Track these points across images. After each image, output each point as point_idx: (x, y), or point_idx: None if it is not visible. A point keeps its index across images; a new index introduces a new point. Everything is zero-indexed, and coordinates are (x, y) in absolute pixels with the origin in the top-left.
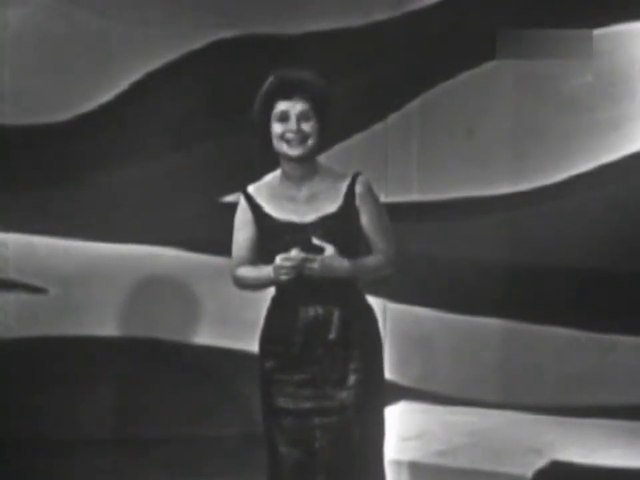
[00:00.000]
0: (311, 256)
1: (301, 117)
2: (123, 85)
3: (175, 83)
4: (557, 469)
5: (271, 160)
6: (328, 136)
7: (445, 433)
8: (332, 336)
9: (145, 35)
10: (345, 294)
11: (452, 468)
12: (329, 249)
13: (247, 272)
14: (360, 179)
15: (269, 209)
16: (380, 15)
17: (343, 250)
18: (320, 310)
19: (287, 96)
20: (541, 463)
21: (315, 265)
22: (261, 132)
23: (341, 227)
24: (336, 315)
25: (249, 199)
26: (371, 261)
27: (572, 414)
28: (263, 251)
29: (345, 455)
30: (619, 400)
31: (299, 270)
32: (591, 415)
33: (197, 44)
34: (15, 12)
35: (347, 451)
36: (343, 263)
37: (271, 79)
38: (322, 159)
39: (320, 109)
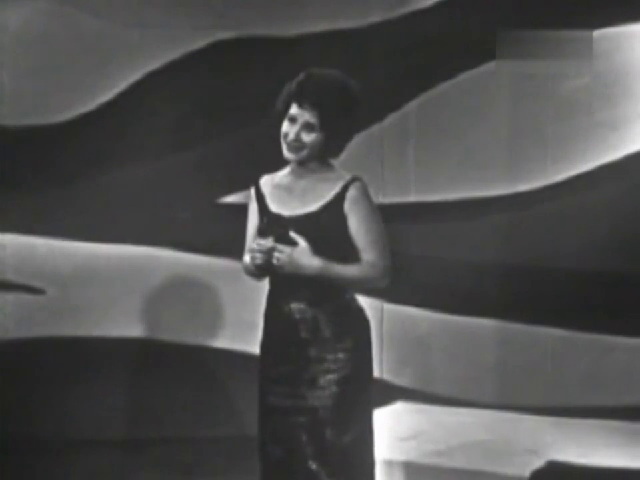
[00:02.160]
0: (280, 246)
1: (304, 128)
2: (121, 85)
3: (173, 83)
4: (553, 470)
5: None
6: (342, 144)
7: (441, 433)
8: (303, 335)
9: (144, 35)
10: (327, 294)
11: (448, 468)
12: (301, 244)
13: (248, 259)
14: (355, 184)
15: (269, 199)
16: (378, 16)
17: (322, 250)
18: (295, 308)
19: (300, 102)
20: (537, 463)
21: (282, 257)
22: (279, 123)
23: (321, 227)
24: (310, 314)
25: (257, 189)
26: (352, 269)
27: (569, 414)
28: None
29: (320, 456)
30: (616, 401)
31: (267, 258)
32: (588, 416)
33: (196, 45)
34: (14, 13)
35: (322, 452)
36: (313, 261)
37: (298, 77)
38: None
39: (331, 123)
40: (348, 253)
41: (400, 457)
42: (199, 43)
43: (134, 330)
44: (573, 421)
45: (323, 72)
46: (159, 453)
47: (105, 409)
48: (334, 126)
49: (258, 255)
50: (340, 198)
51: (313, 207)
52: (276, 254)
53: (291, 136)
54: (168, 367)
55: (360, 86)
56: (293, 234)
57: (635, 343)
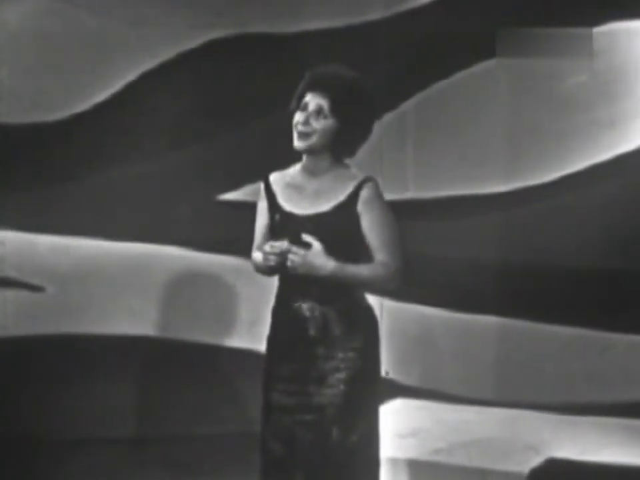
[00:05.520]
0: (294, 248)
1: (315, 113)
2: (118, 84)
3: (170, 82)
4: (553, 467)
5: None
6: (355, 140)
7: (441, 430)
8: (311, 333)
9: (140, 34)
10: (335, 293)
11: (448, 465)
12: (315, 247)
13: (258, 256)
14: (368, 184)
15: (280, 197)
16: (375, 14)
17: (335, 250)
18: (304, 306)
19: (312, 88)
20: (537, 460)
21: (296, 259)
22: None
23: (334, 227)
24: (318, 312)
25: (267, 186)
26: (364, 269)
27: (569, 411)
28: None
29: (323, 454)
30: (615, 398)
31: (281, 260)
32: (588, 413)
33: (192, 43)
34: (11, 11)
35: (325, 450)
36: (327, 263)
37: (312, 69)
38: None
39: (341, 110)
40: (360, 252)
41: (400, 454)
42: (197, 41)
43: (134, 328)
44: (573, 418)
45: (336, 64)
46: (160, 451)
47: (106, 407)
48: (346, 114)
49: (272, 257)
50: (353, 198)
51: (326, 206)
52: (290, 256)
53: (301, 120)
54: (168, 364)
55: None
56: (305, 237)
57: (633, 340)
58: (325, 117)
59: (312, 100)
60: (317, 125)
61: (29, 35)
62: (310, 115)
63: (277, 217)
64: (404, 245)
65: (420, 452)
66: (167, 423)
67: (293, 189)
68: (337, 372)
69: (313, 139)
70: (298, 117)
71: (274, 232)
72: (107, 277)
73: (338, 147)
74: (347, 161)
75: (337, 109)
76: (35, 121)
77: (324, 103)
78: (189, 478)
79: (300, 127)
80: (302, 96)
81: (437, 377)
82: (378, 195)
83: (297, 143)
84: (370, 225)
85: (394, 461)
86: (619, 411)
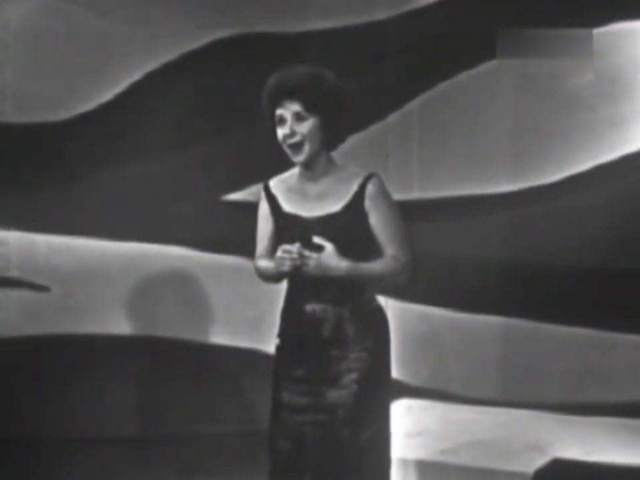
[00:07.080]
0: (307, 252)
1: (295, 119)
2: (122, 84)
3: (174, 82)
4: (558, 467)
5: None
6: (340, 132)
7: (446, 430)
8: (325, 334)
9: (144, 34)
10: (347, 293)
11: (453, 465)
12: (328, 248)
13: (263, 263)
14: (372, 180)
15: (282, 201)
16: (379, 15)
17: (345, 250)
18: (317, 308)
19: (278, 101)
20: (542, 460)
21: (311, 262)
22: (272, 132)
23: (344, 227)
24: (332, 313)
25: (268, 191)
26: (376, 265)
27: (573, 412)
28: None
29: (333, 454)
30: (619, 398)
31: (295, 264)
32: (593, 413)
33: (196, 43)
34: (15, 11)
35: (335, 450)
36: (340, 263)
37: (267, 84)
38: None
39: (317, 106)
40: (371, 249)
41: (405, 454)
42: (201, 40)
43: (137, 327)
44: (577, 418)
45: (289, 68)
46: (161, 450)
47: (107, 407)
48: (322, 107)
49: (287, 261)
50: (359, 196)
51: (334, 207)
52: (305, 260)
53: (287, 133)
54: (171, 364)
55: (336, 74)
56: (317, 239)
57: (637, 340)
58: (306, 118)
59: (285, 112)
60: (302, 128)
61: (32, 34)
62: (291, 124)
63: (281, 221)
64: (411, 238)
65: (425, 452)
66: (168, 422)
67: (295, 192)
68: (349, 372)
69: (306, 147)
70: (280, 132)
71: (279, 236)
72: (110, 276)
73: (329, 141)
74: (352, 161)
75: (311, 106)
76: (39, 120)
77: (297, 107)
78: (190, 477)
79: (289, 140)
80: (272, 114)
81: (441, 377)
82: (383, 190)
83: (294, 157)
84: (377, 220)
85: (399, 461)
86: (624, 411)
